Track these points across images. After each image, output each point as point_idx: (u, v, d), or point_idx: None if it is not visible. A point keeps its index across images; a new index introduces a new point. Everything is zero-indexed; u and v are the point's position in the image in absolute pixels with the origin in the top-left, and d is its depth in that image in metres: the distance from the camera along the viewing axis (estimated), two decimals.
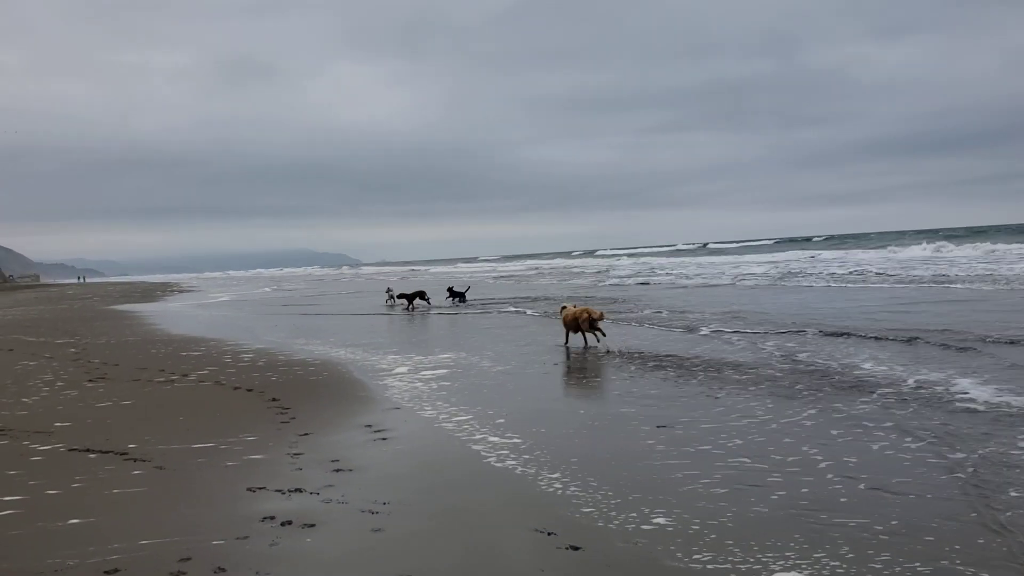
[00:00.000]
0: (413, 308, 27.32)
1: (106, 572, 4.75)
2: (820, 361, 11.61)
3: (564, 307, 15.62)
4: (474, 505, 5.92)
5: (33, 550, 5.16)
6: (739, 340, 14.31)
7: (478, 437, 7.92)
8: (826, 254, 56.90)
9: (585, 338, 14.83)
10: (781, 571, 4.59)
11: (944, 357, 11.35)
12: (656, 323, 18.01)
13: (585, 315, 14.64)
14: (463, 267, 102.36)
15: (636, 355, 13.15)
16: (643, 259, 77.27)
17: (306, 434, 8.31)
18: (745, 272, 40.49)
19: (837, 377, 10.34)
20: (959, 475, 6.15)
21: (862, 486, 6.02)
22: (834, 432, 7.62)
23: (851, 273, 34.46)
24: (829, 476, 6.29)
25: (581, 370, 12.33)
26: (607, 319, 15.04)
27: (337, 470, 6.87)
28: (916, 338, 13.05)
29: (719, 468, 6.60)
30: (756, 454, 6.98)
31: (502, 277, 58.92)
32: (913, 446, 7.04)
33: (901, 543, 4.91)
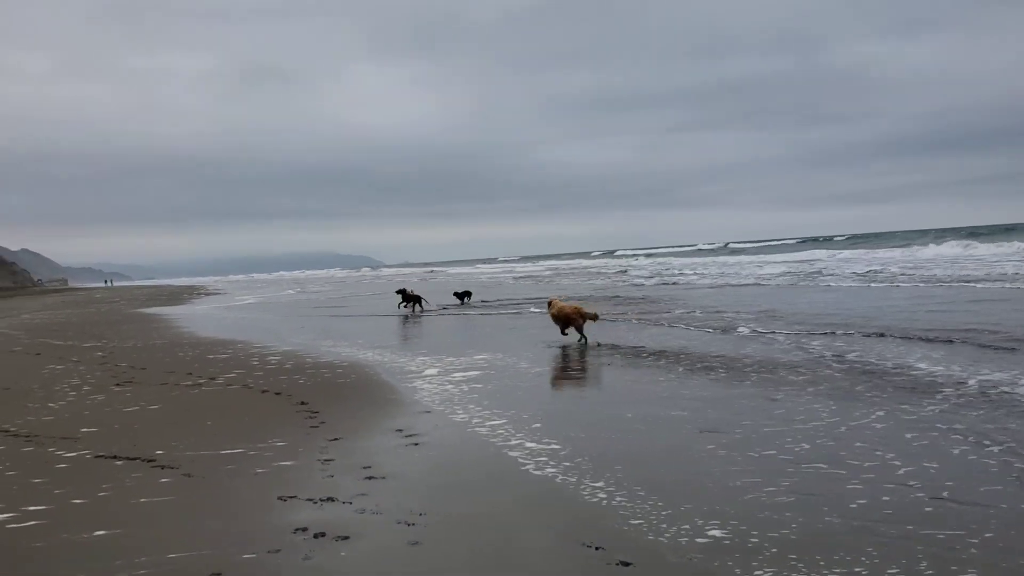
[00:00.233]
0: (420, 309, 26.76)
1: None
2: (873, 361, 11.21)
3: (551, 301, 15.92)
4: (514, 516, 5.63)
5: (57, 563, 4.96)
6: (784, 340, 13.92)
7: (514, 443, 7.62)
8: (849, 253, 56.11)
9: (581, 333, 15.27)
10: None
11: (1000, 357, 10.91)
12: (691, 323, 17.61)
13: (576, 314, 15.17)
14: (482, 268, 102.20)
15: (681, 355, 12.78)
16: (664, 259, 76.70)
17: (336, 439, 8.06)
18: (769, 272, 39.97)
19: (895, 378, 9.94)
20: None
21: (946, 494, 5.64)
22: (908, 436, 7.23)
23: (876, 272, 33.88)
24: (912, 483, 5.91)
25: (622, 371, 11.93)
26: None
27: (369, 477, 6.61)
28: (962, 338, 12.62)
29: (786, 475, 6.22)
30: (829, 459, 6.59)
31: (521, 277, 58.74)
32: (995, 450, 6.65)
33: (990, 560, 4.54)
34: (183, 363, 14.70)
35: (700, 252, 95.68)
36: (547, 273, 64.23)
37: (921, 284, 26.20)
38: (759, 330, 15.40)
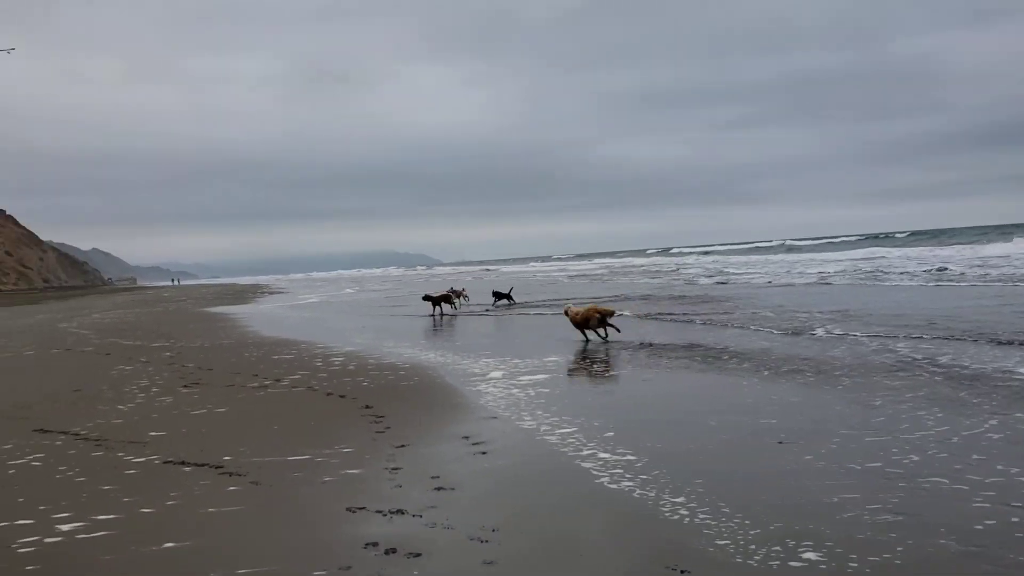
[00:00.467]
0: (453, 308, 26.37)
1: None
2: (970, 365, 10.64)
3: (568, 308, 16.80)
4: (591, 534, 5.34)
5: None
6: (869, 342, 13.33)
7: (586, 453, 7.32)
8: (913, 250, 54.30)
9: (598, 334, 15.96)
10: None
11: None
12: (763, 324, 17.07)
13: (596, 314, 15.96)
14: (536, 266, 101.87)
15: (764, 358, 12.32)
16: (721, 257, 75.33)
17: (402, 446, 7.89)
18: (832, 270, 38.91)
19: (1001, 384, 9.36)
20: None
21: None
22: None
23: (942, 270, 32.64)
24: None
25: (700, 375, 11.47)
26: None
27: (438, 488, 6.40)
28: None
29: (892, 490, 5.78)
30: (943, 473, 6.12)
31: (575, 276, 58.32)
32: None
33: None
34: (249, 364, 14.78)
35: (757, 250, 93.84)
36: (599, 271, 63.67)
37: (996, 283, 25.10)
38: (837, 331, 14.81)
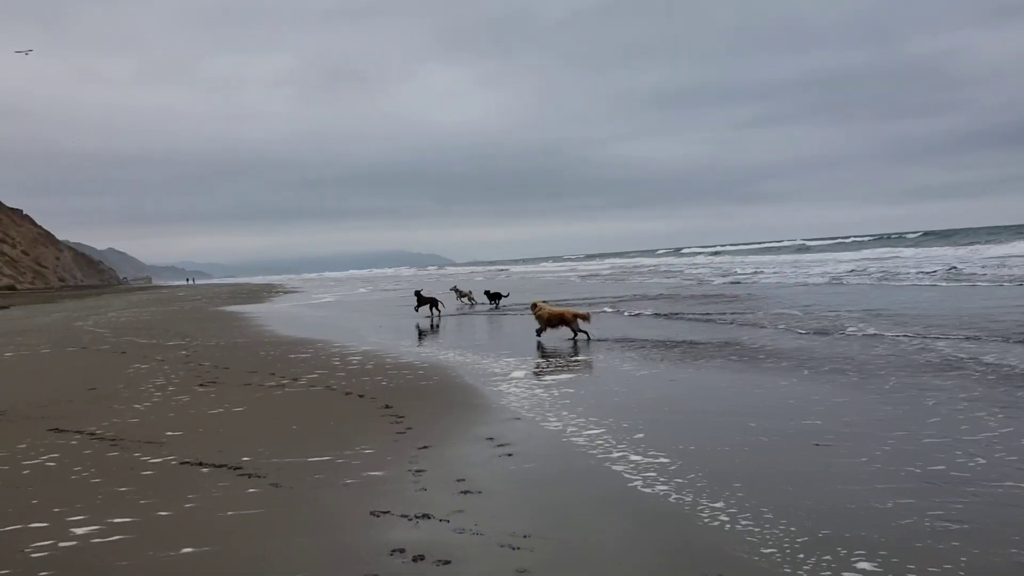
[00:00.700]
0: (437, 313, 25.13)
1: None
2: (1017, 364, 10.35)
3: (536, 303, 16.80)
4: (627, 542, 5.09)
5: None
6: (908, 341, 13.02)
7: (616, 455, 7.06)
8: (932, 250, 53.72)
9: (574, 331, 16.12)
10: None
11: None
12: (792, 323, 16.76)
13: (571, 315, 16.22)
14: (547, 266, 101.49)
15: (802, 357, 12.03)
16: (734, 257, 74.74)
17: (425, 447, 7.65)
18: (851, 270, 38.50)
19: None
20: None
21: None
22: None
23: (959, 270, 32.17)
24: None
25: (736, 375, 11.12)
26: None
27: (465, 492, 6.16)
28: None
29: (954, 495, 5.49)
30: (1014, 477, 5.81)
31: (586, 276, 57.98)
32: None
33: None
34: (265, 363, 14.59)
35: (771, 250, 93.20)
36: (607, 271, 63.24)
37: (1021, 284, 24.69)
38: (870, 331, 14.48)
